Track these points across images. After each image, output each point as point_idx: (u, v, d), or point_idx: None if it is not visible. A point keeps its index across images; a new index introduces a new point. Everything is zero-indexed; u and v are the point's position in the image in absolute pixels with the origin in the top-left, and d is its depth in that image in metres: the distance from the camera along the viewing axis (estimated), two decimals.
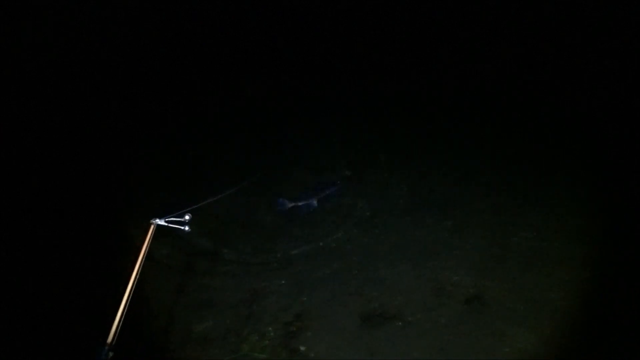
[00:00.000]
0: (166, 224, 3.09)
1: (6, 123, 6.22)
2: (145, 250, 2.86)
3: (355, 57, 7.84)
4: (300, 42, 7.98)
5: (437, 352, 3.53)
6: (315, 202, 5.25)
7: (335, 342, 3.67)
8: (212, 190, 4.27)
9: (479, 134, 6.10)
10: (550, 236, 4.44)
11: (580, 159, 5.43)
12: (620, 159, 5.29)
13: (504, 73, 7.05)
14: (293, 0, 8.29)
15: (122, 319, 2.50)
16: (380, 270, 4.31)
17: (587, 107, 6.15)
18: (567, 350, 3.50)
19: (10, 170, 5.55)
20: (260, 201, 5.40)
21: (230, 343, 3.75)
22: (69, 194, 5.35)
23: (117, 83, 7.10)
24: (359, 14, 8.17)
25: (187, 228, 3.14)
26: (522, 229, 4.55)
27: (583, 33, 7.13)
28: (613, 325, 3.62)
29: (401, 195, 5.28)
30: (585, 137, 5.71)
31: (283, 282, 4.31)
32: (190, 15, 8.01)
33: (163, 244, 4.76)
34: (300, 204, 5.23)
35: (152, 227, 3.02)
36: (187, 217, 3.16)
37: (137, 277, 2.70)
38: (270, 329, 3.84)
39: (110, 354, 2.39)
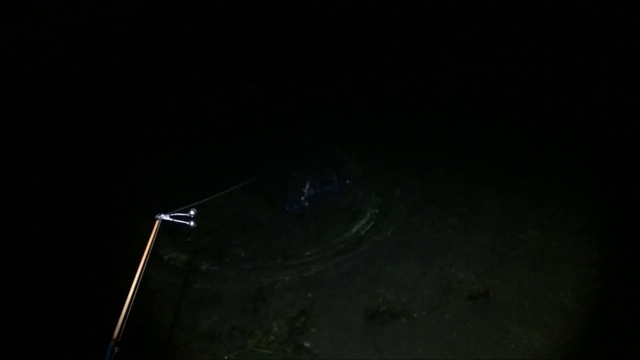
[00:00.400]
0: (171, 219, 3.07)
1: (6, 123, 6.20)
2: (151, 245, 2.83)
3: (355, 57, 7.84)
4: (301, 42, 7.98)
5: (442, 349, 3.53)
6: (320, 201, 5.25)
7: (341, 339, 3.66)
8: (214, 190, 4.25)
9: (481, 132, 6.09)
10: (557, 234, 4.44)
11: (585, 158, 5.43)
12: (624, 158, 5.31)
13: (503, 73, 7.05)
14: (293, 0, 8.30)
15: (128, 314, 2.48)
16: (386, 267, 4.30)
17: (587, 107, 6.16)
18: (573, 349, 3.50)
19: (10, 170, 5.54)
20: (266, 199, 5.38)
21: (236, 339, 3.74)
22: (71, 192, 5.33)
23: (117, 83, 7.09)
24: (359, 14, 8.19)
25: (192, 223, 3.12)
26: (529, 227, 4.54)
27: (583, 33, 7.16)
28: (620, 324, 3.62)
29: (407, 193, 5.26)
30: (589, 136, 5.71)
31: (288, 278, 4.29)
32: (190, 15, 8.01)
33: (168, 241, 4.75)
34: (305, 202, 5.22)
35: (157, 222, 3.00)
36: (192, 212, 3.14)
37: (143, 272, 2.67)
38: (275, 325, 3.83)
39: (116, 349, 2.36)
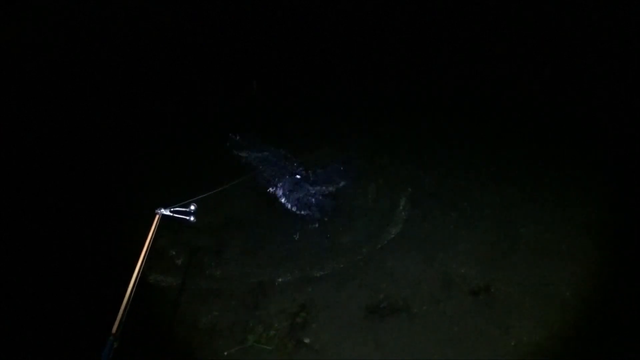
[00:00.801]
0: (171, 214, 3.07)
1: (6, 123, 6.21)
2: (151, 240, 2.83)
3: (355, 57, 7.85)
4: (301, 42, 7.99)
5: (443, 345, 3.52)
6: (321, 196, 5.25)
7: (341, 334, 3.66)
8: (214, 188, 4.25)
9: (481, 132, 6.09)
10: (558, 230, 4.44)
11: (585, 157, 5.44)
12: (624, 156, 5.31)
13: (504, 73, 7.06)
14: (293, 0, 8.31)
15: (128, 309, 2.47)
16: (387, 263, 4.29)
17: (587, 107, 6.17)
18: (574, 345, 3.49)
19: (11, 170, 5.54)
20: (266, 196, 5.37)
21: (236, 334, 3.74)
22: (71, 192, 5.33)
23: (117, 83, 7.09)
24: (359, 14, 8.20)
25: (192, 218, 3.11)
26: (530, 222, 4.55)
27: (583, 33, 7.17)
28: (620, 319, 3.62)
29: (408, 188, 5.26)
30: (589, 135, 5.72)
31: (289, 273, 4.29)
32: (190, 15, 8.02)
33: (168, 235, 4.75)
34: (305, 199, 5.22)
35: (157, 217, 2.99)
36: (192, 207, 3.13)
37: (142, 267, 2.66)
38: (275, 320, 3.82)
39: (116, 344, 2.35)
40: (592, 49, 7.01)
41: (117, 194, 5.50)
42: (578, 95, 6.44)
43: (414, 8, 8.11)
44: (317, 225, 4.94)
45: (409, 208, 4.99)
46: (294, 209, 5.18)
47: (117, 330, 2.38)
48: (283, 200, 5.26)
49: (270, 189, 5.45)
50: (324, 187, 5.37)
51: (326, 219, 4.98)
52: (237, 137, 6.29)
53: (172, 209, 3.07)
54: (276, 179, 5.53)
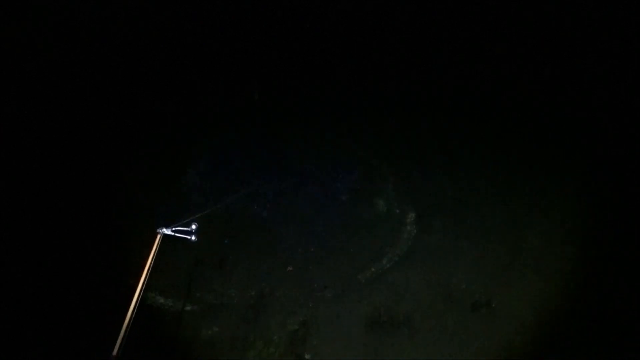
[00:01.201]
0: (173, 234, 3.09)
1: (6, 123, 6.20)
2: (152, 259, 2.84)
3: (355, 57, 7.83)
4: (301, 42, 7.96)
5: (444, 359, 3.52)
6: (320, 209, 5.24)
7: (341, 349, 3.65)
8: (214, 192, 4.24)
9: (481, 133, 6.09)
10: (560, 244, 4.43)
11: (586, 159, 5.43)
12: (625, 158, 5.30)
13: (504, 73, 7.05)
14: (293, 0, 8.28)
15: (129, 328, 2.48)
16: (387, 276, 4.29)
17: (587, 107, 6.16)
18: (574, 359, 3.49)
19: (11, 170, 5.54)
20: (265, 206, 5.36)
21: (237, 349, 3.73)
22: (71, 193, 5.33)
23: (117, 83, 7.08)
24: (359, 14, 8.17)
25: (193, 237, 3.15)
26: (532, 236, 4.54)
27: (583, 33, 7.15)
28: (624, 336, 3.61)
29: (409, 201, 5.24)
30: (588, 136, 5.71)
31: (289, 287, 4.28)
32: (190, 15, 8.00)
33: (169, 251, 4.72)
34: (306, 210, 5.22)
35: (158, 236, 3.01)
36: (193, 227, 3.17)
37: (144, 286, 2.67)
38: (275, 335, 3.82)
39: None
40: (592, 49, 6.99)
41: (117, 195, 5.49)
42: (578, 95, 6.42)
43: (414, 8, 8.07)
44: (316, 239, 4.93)
45: (409, 222, 4.97)
46: (294, 223, 5.16)
47: (117, 352, 2.39)
48: (283, 214, 5.24)
49: (269, 203, 5.44)
50: (323, 200, 5.35)
51: (325, 232, 4.98)
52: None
53: (173, 229, 3.09)
54: (276, 193, 5.52)
